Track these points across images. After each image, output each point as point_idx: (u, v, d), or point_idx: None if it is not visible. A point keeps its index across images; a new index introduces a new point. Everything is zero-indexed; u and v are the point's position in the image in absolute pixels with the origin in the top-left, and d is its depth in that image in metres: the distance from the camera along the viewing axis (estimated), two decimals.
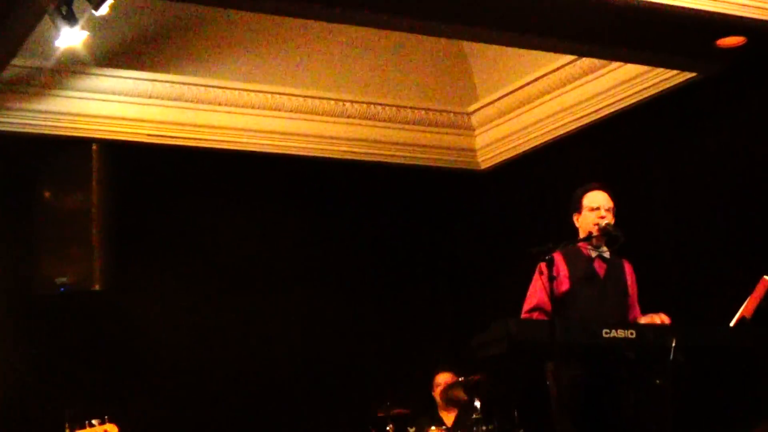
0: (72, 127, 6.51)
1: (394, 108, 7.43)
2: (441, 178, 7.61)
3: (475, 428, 5.77)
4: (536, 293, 4.63)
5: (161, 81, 6.74)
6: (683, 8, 5.15)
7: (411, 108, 7.49)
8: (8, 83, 6.27)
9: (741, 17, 5.29)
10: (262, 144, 7.06)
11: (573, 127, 6.91)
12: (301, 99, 7.16)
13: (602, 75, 6.63)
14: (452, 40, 7.13)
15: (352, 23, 5.91)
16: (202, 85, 6.87)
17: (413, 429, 6.27)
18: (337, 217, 7.28)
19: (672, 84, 6.20)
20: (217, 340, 6.70)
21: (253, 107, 7.04)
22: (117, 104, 6.64)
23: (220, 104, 6.94)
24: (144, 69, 6.67)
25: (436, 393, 6.54)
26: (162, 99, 6.77)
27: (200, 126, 6.89)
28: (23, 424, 5.95)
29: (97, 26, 5.48)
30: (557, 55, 6.68)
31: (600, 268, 4.75)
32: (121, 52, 6.53)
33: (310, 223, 7.20)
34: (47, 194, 6.18)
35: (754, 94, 5.77)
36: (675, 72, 6.14)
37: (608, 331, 4.26)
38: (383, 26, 5.90)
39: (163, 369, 6.47)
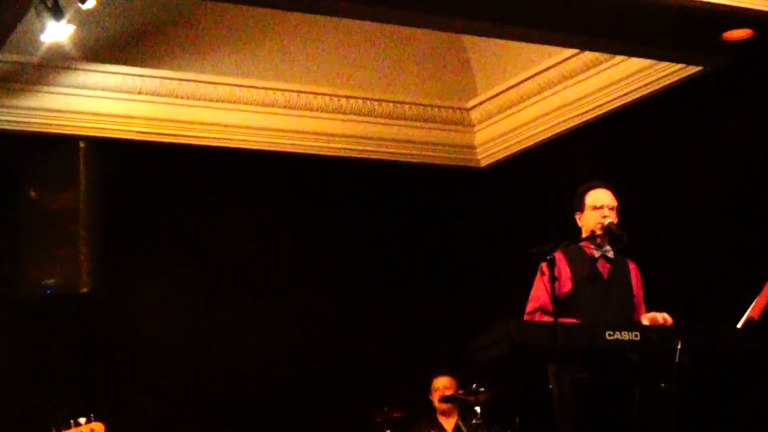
0: (58, 125, 6.50)
1: (391, 104, 7.42)
2: (439, 175, 7.61)
3: None
4: (538, 295, 4.62)
5: (151, 76, 6.73)
6: (688, 0, 5.14)
7: (408, 104, 7.49)
8: None
9: (748, 9, 5.29)
10: (255, 141, 7.06)
11: (575, 123, 6.90)
12: (295, 95, 7.15)
13: (605, 69, 6.62)
14: (451, 34, 7.12)
15: (347, 16, 5.90)
16: (193, 81, 6.86)
17: None
18: (333, 216, 7.27)
19: (677, 78, 6.19)
20: (209, 342, 6.70)
21: (245, 103, 7.04)
22: (105, 100, 6.63)
23: (211, 100, 6.94)
24: (133, 64, 6.66)
25: (435, 397, 6.54)
26: (152, 95, 6.76)
27: (191, 123, 6.88)
28: (9, 426, 5.94)
29: (83, 20, 5.48)
30: (559, 49, 6.67)
31: (603, 268, 4.74)
32: (109, 46, 6.52)
33: (305, 223, 7.20)
34: (33, 194, 6.17)
35: (762, 89, 5.77)
36: (680, 66, 6.13)
37: (611, 333, 4.25)
38: (380, 19, 5.89)
39: (154, 372, 6.48)
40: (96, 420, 4.92)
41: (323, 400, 6.80)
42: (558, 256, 4.47)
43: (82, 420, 4.94)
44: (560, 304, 4.35)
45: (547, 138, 7.15)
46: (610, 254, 4.76)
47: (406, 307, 7.32)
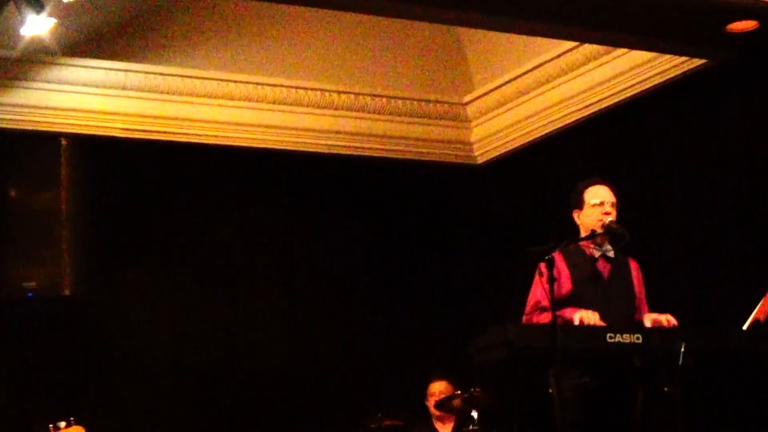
0: (39, 121, 6.49)
1: (384, 99, 7.42)
2: (435, 173, 7.61)
3: None
4: (537, 296, 4.62)
5: (135, 71, 6.72)
6: None
7: (402, 99, 7.48)
8: None
9: (753, 0, 5.28)
10: (244, 138, 7.05)
11: (575, 118, 6.90)
12: (284, 90, 7.14)
13: (606, 62, 6.63)
14: (446, 26, 7.12)
15: (338, 8, 5.90)
16: (179, 76, 6.85)
17: None
18: (324, 216, 7.28)
19: (680, 72, 6.19)
20: (197, 346, 6.70)
21: (233, 98, 7.03)
22: (87, 96, 6.61)
23: (198, 96, 6.93)
24: (116, 58, 6.65)
25: (431, 403, 6.53)
26: (136, 90, 6.75)
27: (177, 119, 6.87)
28: None
29: (65, 13, 5.46)
30: (558, 42, 6.67)
31: (604, 268, 4.74)
32: (92, 40, 6.50)
33: (296, 222, 7.21)
34: (13, 193, 6.16)
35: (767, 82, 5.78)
36: (683, 59, 6.14)
37: (613, 335, 4.25)
38: (372, 11, 5.88)
39: (138, 378, 6.48)
40: (76, 424, 4.94)
41: (314, 409, 6.80)
42: (557, 256, 4.47)
43: (62, 424, 4.97)
44: (559, 305, 4.34)
45: (546, 134, 7.15)
46: (611, 253, 4.76)
47: (400, 308, 7.32)
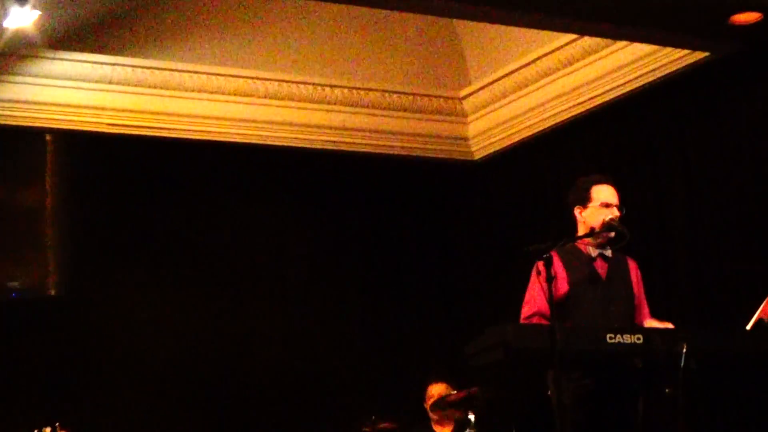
0: (23, 117, 6.47)
1: (378, 93, 7.42)
2: (430, 169, 7.61)
3: None
4: (534, 298, 4.61)
5: (122, 65, 6.71)
6: None
7: (397, 93, 7.48)
8: None
9: None
10: (234, 133, 7.05)
11: (574, 112, 6.90)
12: (276, 84, 7.13)
13: (606, 56, 6.63)
14: (442, 19, 7.11)
15: (331, 0, 5.88)
16: (167, 70, 6.84)
17: None
18: (318, 213, 7.28)
19: (682, 65, 6.19)
20: (186, 347, 6.69)
21: (224, 93, 7.03)
22: (73, 91, 6.60)
23: (187, 90, 6.92)
24: (103, 52, 6.64)
25: (429, 405, 6.53)
26: (123, 84, 6.74)
27: (166, 114, 6.87)
28: None
29: (49, 5, 5.45)
30: (556, 35, 6.67)
31: (601, 268, 4.73)
32: (77, 33, 6.50)
33: (288, 220, 7.20)
34: None
35: None
36: (685, 52, 6.13)
37: (613, 336, 4.25)
38: (366, 3, 5.86)
39: (125, 381, 6.48)
40: (62, 429, 4.93)
41: (306, 412, 6.80)
42: (554, 255, 4.46)
43: (47, 429, 4.96)
44: (558, 307, 4.33)
45: (545, 129, 7.15)
46: (608, 253, 4.75)
47: (396, 310, 7.32)
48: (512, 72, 7.26)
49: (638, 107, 6.53)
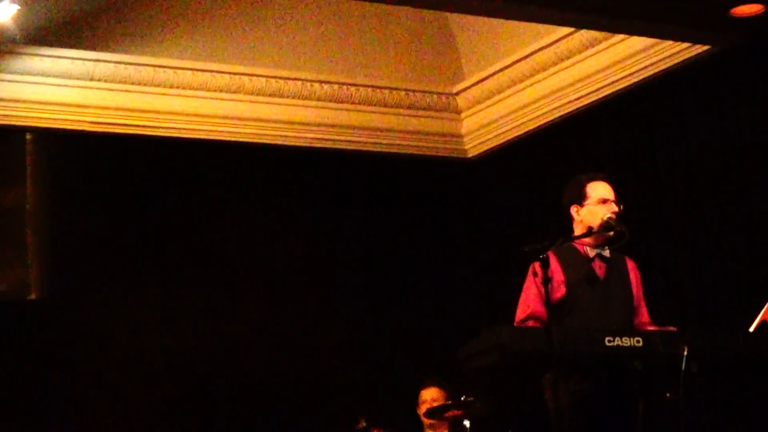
0: (2, 115, 6.46)
1: (369, 89, 7.41)
2: (423, 167, 7.61)
3: None
4: (529, 300, 4.60)
5: (105, 61, 6.69)
6: None
7: (388, 89, 7.48)
8: None
9: None
10: (221, 131, 7.04)
11: (571, 108, 6.90)
12: (263, 80, 7.12)
13: (604, 50, 6.63)
14: (434, 12, 7.10)
15: None
16: (151, 66, 6.83)
17: None
18: (307, 212, 7.27)
19: (682, 58, 6.19)
20: (170, 351, 6.66)
21: (209, 90, 7.02)
22: (54, 88, 6.59)
23: (171, 87, 6.92)
24: (84, 48, 6.63)
25: (422, 411, 6.52)
26: (105, 81, 6.73)
27: (149, 111, 6.85)
28: None
29: None
30: (553, 28, 6.67)
31: (599, 269, 4.72)
32: (58, 28, 6.48)
33: (278, 219, 7.19)
34: None
35: None
36: (685, 45, 6.14)
37: (612, 339, 4.24)
38: None
39: (109, 387, 6.45)
40: None
41: (295, 418, 6.77)
42: (551, 256, 4.44)
43: None
44: (555, 309, 4.32)
45: (541, 125, 7.15)
46: (606, 253, 4.74)
47: (388, 311, 7.30)
48: (507, 67, 7.26)
49: (637, 102, 6.52)
